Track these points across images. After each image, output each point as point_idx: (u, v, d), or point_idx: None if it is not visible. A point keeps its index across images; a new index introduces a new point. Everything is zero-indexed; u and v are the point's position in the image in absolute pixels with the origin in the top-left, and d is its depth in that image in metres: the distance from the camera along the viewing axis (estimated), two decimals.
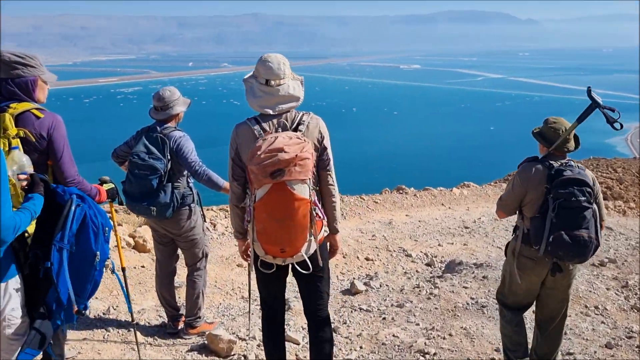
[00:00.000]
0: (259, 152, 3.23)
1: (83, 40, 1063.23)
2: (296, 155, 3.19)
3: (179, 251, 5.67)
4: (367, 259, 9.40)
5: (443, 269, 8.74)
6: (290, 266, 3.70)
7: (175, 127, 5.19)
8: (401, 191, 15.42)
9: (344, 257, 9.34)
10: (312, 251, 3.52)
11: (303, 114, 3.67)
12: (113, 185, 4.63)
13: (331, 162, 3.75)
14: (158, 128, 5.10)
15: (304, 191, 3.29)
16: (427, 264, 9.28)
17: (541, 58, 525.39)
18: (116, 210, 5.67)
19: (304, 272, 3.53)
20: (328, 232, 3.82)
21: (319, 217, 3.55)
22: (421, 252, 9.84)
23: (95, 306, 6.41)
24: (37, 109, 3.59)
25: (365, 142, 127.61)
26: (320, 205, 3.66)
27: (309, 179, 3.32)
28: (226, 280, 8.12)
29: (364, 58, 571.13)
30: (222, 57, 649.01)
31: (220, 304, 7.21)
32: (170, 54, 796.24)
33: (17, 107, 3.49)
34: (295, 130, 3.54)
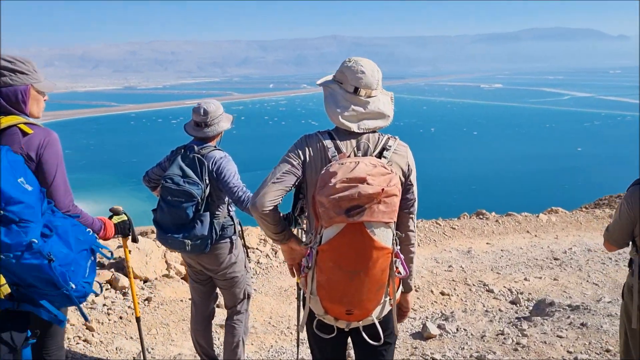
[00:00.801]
0: (333, 180, 2.49)
1: (172, 65, 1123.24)
2: (382, 190, 2.45)
3: (218, 290, 4.95)
4: (442, 293, 8.42)
5: (531, 309, 7.63)
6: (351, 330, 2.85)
7: (215, 147, 4.50)
8: (481, 216, 14.23)
9: (416, 290, 8.42)
10: (384, 314, 2.77)
11: (389, 138, 2.95)
12: (126, 218, 4.01)
13: (416, 203, 2.98)
14: (196, 147, 4.38)
15: (387, 238, 2.52)
16: (512, 302, 8.18)
17: (634, 75, 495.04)
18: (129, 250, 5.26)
19: (371, 342, 2.71)
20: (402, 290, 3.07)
21: (400, 272, 2.72)
22: (504, 287, 8.73)
23: (128, 348, 5.92)
24: (26, 123, 2.97)
25: (443, 162, 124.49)
26: (402, 258, 2.85)
27: (394, 222, 2.57)
28: (282, 317, 7.39)
29: (443, 78, 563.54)
30: (301, 78, 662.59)
31: (271, 346, 6.41)
32: (252, 76, 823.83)
33: (2, 122, 2.88)
34: (379, 156, 2.82)
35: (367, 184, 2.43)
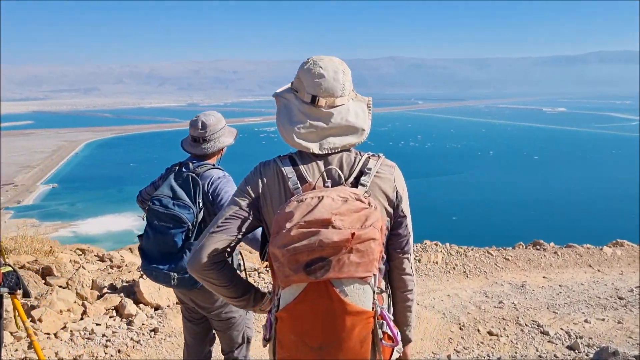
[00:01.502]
0: (288, 225, 1.90)
1: (233, 83, 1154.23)
2: (353, 235, 1.84)
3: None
4: (490, 333, 7.67)
5: (592, 356, 6.82)
6: None
7: (214, 165, 3.92)
8: (538, 247, 13.29)
9: (460, 328, 7.72)
10: None
11: (369, 157, 2.33)
12: (11, 269, 3.42)
13: (411, 240, 2.41)
14: (191, 165, 3.78)
15: (364, 297, 1.89)
16: (570, 347, 7.36)
17: None
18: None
19: None
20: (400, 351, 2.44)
21: (390, 338, 2.04)
22: (561, 329, 7.90)
23: None
24: None
25: (501, 187, 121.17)
26: (390, 316, 2.31)
27: (373, 275, 1.92)
28: None
29: (504, 100, 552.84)
30: None
31: None
32: None
33: None
34: (355, 185, 2.21)
35: (333, 227, 1.84)
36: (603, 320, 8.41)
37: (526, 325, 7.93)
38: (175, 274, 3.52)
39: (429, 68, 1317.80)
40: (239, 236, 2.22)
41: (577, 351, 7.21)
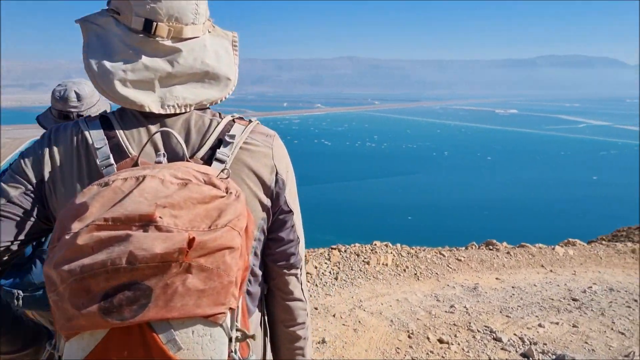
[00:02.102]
0: (76, 226, 0.99)
1: None
2: (192, 241, 0.97)
3: None
4: (440, 340, 7.18)
5: None
6: None
7: None
8: (491, 247, 13.00)
9: (409, 336, 7.20)
10: None
11: (233, 121, 1.48)
12: None
13: (300, 248, 1.62)
14: None
15: (213, 350, 1.00)
16: (524, 355, 6.94)
17: None
18: None
19: None
20: None
21: None
22: (515, 334, 7.49)
23: None
24: None
25: (455, 187, 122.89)
26: None
27: (230, 310, 1.05)
28: None
29: (458, 102, 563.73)
30: (316, 98, 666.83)
31: None
32: (267, 94, 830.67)
33: None
34: (210, 160, 1.33)
35: (156, 228, 0.97)
36: (557, 323, 8.06)
37: (478, 331, 7.48)
38: (21, 292, 2.51)
39: (386, 69, 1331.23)
40: (14, 249, 1.27)
41: (531, 359, 6.80)
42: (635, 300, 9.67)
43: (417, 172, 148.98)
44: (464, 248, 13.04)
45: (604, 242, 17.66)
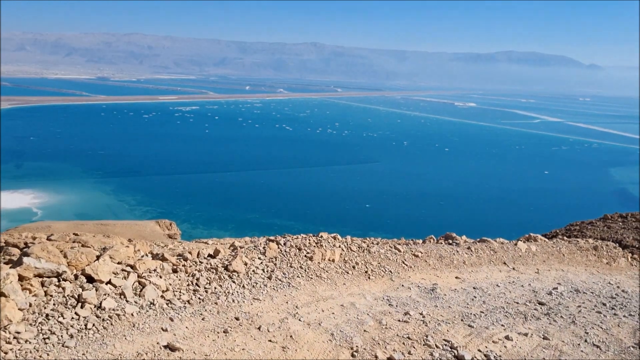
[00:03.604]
0: None
1: (148, 59, 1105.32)
2: None
3: None
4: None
5: None
6: None
7: None
8: (451, 241, 11.89)
9: (352, 354, 5.89)
10: None
11: None
12: None
13: None
14: None
15: None
16: None
17: (603, 104, 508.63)
18: None
19: None
20: None
21: None
22: (479, 350, 6.31)
23: None
24: None
25: (413, 177, 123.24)
26: None
27: None
28: None
29: (419, 93, 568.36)
30: (278, 83, 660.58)
31: None
32: (230, 76, 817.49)
33: None
34: None
35: None
36: (526, 335, 6.94)
37: (437, 346, 6.18)
38: None
39: (349, 57, 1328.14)
40: None
41: None
42: (604, 304, 8.75)
43: (377, 161, 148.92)
44: (421, 241, 11.90)
45: (565, 238, 16.96)
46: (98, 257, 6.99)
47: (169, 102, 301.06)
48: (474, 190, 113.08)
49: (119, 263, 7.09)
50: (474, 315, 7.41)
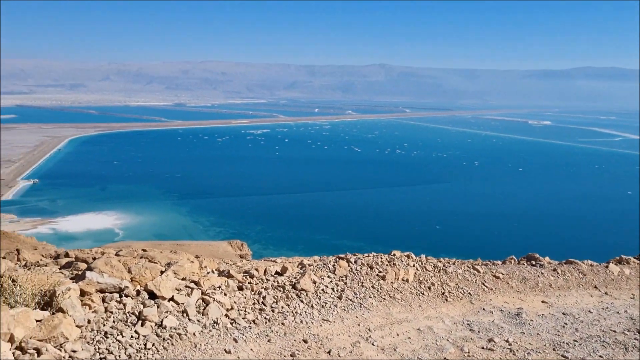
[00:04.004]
0: None
1: (222, 85, 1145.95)
2: None
3: None
4: None
5: None
6: None
7: None
8: (534, 262, 11.03)
9: None
10: None
11: None
12: None
13: None
14: None
15: None
16: None
17: None
18: None
19: None
20: None
21: None
22: None
23: None
24: None
25: (485, 197, 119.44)
26: None
27: None
28: None
29: (491, 112, 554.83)
30: (347, 104, 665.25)
31: None
32: (299, 99, 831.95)
33: None
34: None
35: None
36: None
37: None
38: None
39: (418, 77, 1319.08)
40: None
41: None
42: None
43: (447, 181, 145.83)
44: (500, 262, 11.11)
45: None
46: (162, 272, 6.84)
47: (241, 126, 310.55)
48: (551, 211, 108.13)
49: (183, 279, 6.90)
50: (567, 344, 6.66)
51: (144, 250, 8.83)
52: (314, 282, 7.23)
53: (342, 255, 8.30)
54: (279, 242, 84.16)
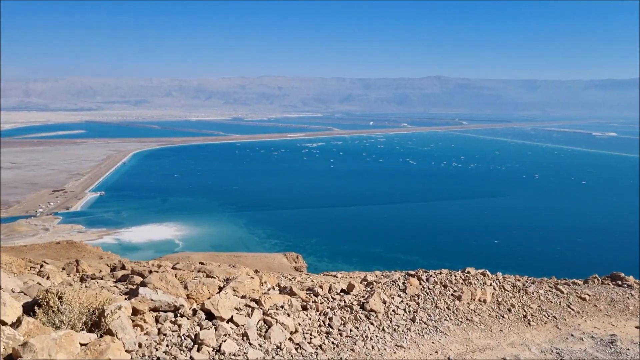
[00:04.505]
0: None
1: (278, 99, 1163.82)
2: None
3: None
4: None
5: None
6: None
7: None
8: (620, 282, 10.03)
9: None
10: None
11: None
12: None
13: None
14: None
15: None
16: None
17: None
18: None
19: None
20: None
21: None
22: None
23: None
24: None
25: (545, 211, 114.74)
26: None
27: None
28: None
29: (552, 123, 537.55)
30: (402, 117, 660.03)
31: None
32: (354, 112, 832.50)
33: None
34: None
35: None
36: None
37: None
38: None
39: (475, 88, 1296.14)
40: None
41: None
42: None
43: (505, 195, 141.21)
44: (582, 281, 10.15)
45: None
46: (220, 289, 6.37)
47: (297, 139, 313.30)
48: (616, 226, 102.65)
49: (242, 297, 6.42)
50: None
51: (201, 263, 8.50)
52: (384, 302, 6.63)
53: (412, 272, 7.66)
54: (334, 255, 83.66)
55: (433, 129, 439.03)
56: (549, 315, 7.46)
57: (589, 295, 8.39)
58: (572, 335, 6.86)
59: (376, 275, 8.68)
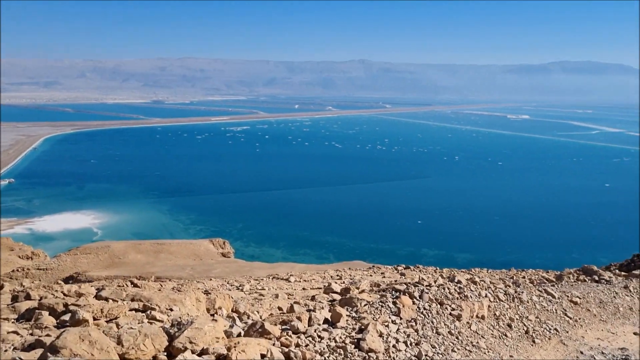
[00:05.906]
0: None
1: (200, 82, 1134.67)
2: None
3: None
4: None
5: None
6: None
7: None
8: (595, 276, 9.34)
9: None
10: None
11: None
12: None
13: None
14: None
15: None
16: None
17: None
18: None
19: None
20: None
21: None
22: None
23: None
24: None
25: (465, 192, 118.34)
26: None
27: None
28: None
29: (470, 107, 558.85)
30: (327, 100, 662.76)
31: None
32: (279, 96, 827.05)
33: None
34: None
35: None
36: None
37: None
38: None
39: (398, 72, 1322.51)
40: None
41: None
42: None
43: (428, 176, 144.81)
44: (557, 274, 9.41)
45: None
46: (170, 340, 4.60)
47: (221, 123, 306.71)
48: (530, 204, 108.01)
49: (202, 352, 4.59)
50: None
51: (134, 285, 6.84)
52: (381, 335, 5.30)
53: (400, 288, 6.40)
54: (261, 240, 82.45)
55: (358, 112, 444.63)
56: (550, 329, 6.51)
57: (579, 299, 7.60)
58: (581, 352, 5.94)
59: (340, 277, 7.43)
